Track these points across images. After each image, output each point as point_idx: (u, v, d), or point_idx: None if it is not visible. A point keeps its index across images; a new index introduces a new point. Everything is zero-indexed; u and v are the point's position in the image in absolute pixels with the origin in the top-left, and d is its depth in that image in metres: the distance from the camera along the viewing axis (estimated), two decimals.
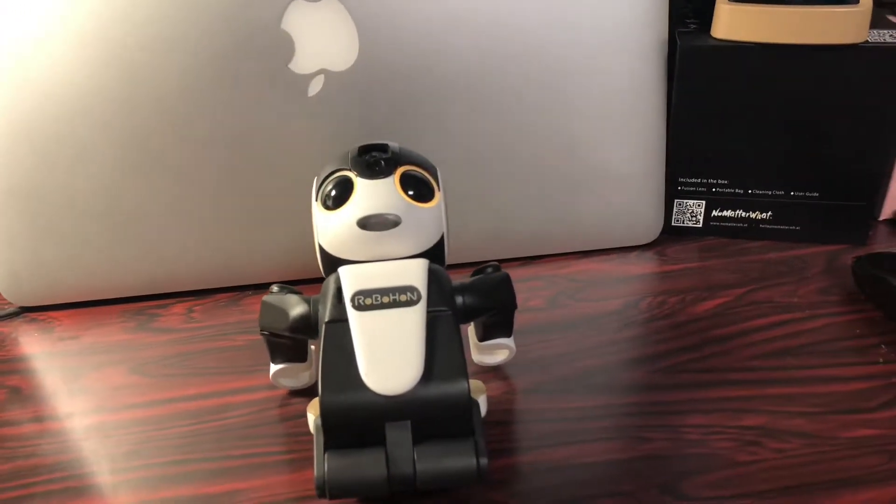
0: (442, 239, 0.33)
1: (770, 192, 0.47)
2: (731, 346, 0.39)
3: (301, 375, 0.37)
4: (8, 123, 0.40)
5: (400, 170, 0.32)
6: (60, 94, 0.40)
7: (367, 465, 0.27)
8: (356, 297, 0.29)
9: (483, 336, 0.36)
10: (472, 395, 0.29)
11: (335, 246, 0.32)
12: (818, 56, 0.42)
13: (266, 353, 0.35)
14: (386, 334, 0.29)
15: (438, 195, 0.32)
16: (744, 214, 0.48)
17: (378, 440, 0.28)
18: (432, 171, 0.33)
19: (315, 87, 0.41)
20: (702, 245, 0.48)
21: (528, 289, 0.44)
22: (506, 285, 0.34)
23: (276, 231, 0.44)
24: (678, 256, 0.47)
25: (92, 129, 0.40)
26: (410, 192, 0.31)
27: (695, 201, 0.48)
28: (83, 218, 0.42)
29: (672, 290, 0.44)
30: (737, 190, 0.47)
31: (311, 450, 0.33)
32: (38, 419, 0.36)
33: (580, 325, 0.41)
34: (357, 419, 0.28)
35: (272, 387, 0.37)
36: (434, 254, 0.32)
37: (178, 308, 0.44)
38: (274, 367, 0.35)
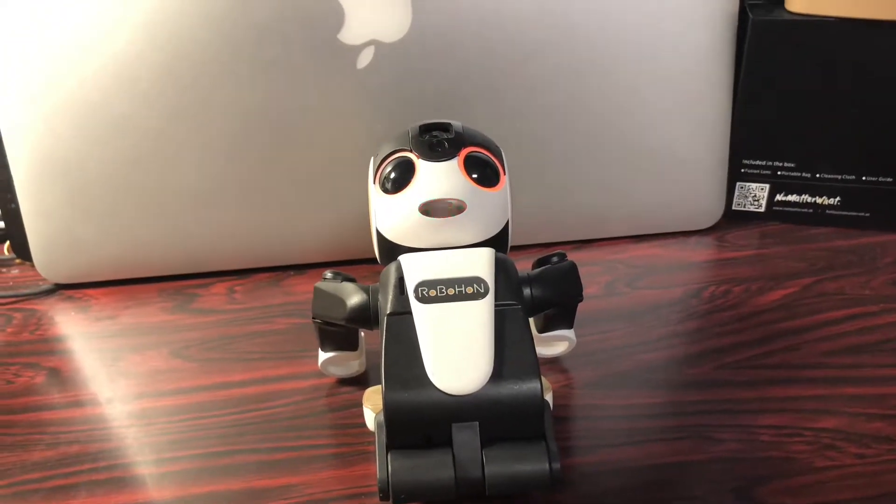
0: (507, 226, 0.31)
1: (840, 177, 0.44)
2: (801, 341, 0.37)
3: (351, 364, 0.35)
4: (46, 95, 0.38)
5: (464, 151, 0.30)
6: (100, 65, 0.38)
7: (433, 467, 0.26)
8: (420, 289, 0.28)
9: (543, 327, 0.34)
10: None
11: (394, 232, 0.30)
12: None
13: (312, 339, 0.34)
14: (452, 329, 0.27)
15: (504, 179, 0.30)
16: (809, 199, 0.45)
17: (444, 441, 0.26)
18: (497, 153, 0.31)
19: (365, 58, 0.39)
20: (764, 231, 0.46)
21: (585, 275, 0.40)
22: (573, 276, 0.32)
23: (319, 209, 0.42)
24: (739, 243, 0.45)
25: (132, 101, 0.39)
26: (475, 176, 0.29)
27: (758, 185, 0.45)
28: (121, 193, 0.40)
29: (735, 279, 0.42)
30: (804, 173, 0.45)
31: (364, 443, 0.32)
32: (79, 404, 0.35)
33: (639, 314, 0.39)
34: (422, 419, 0.26)
35: (320, 374, 0.35)
36: (498, 242, 0.30)
37: (219, 288, 0.43)
38: (323, 355, 0.34)
